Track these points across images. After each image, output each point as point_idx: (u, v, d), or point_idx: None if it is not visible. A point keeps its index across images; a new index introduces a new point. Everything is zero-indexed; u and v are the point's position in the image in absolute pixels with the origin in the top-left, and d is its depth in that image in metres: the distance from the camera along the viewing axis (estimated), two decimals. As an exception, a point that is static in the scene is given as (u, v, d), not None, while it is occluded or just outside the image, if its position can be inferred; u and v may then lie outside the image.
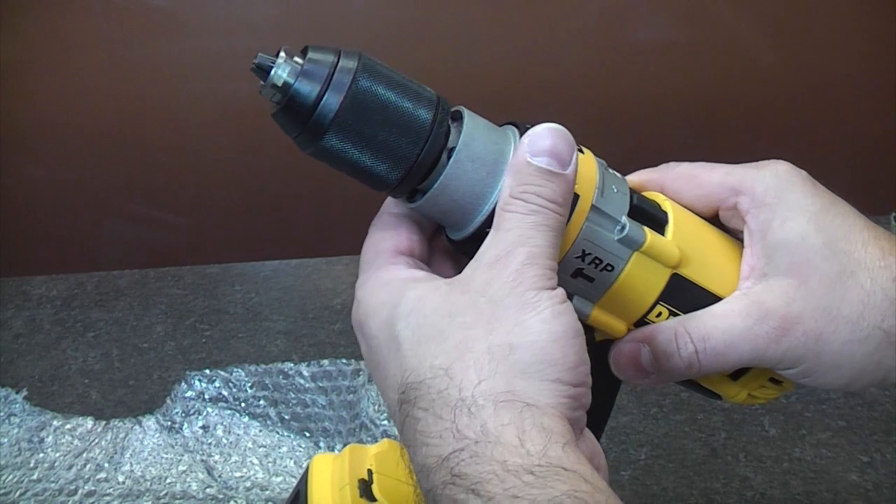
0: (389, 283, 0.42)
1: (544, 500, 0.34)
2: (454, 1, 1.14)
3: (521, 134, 0.44)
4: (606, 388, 0.53)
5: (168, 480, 0.78)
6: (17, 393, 0.89)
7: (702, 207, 0.49)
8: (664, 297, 0.46)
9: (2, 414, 0.86)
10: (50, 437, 0.83)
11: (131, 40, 1.13)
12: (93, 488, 0.77)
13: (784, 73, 1.18)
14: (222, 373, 0.89)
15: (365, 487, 0.54)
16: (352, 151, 0.42)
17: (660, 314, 0.47)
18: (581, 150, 0.45)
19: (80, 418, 0.85)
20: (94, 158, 1.17)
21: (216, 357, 0.97)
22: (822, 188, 0.47)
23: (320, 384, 0.87)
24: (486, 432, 0.36)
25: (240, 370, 0.89)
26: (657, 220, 0.47)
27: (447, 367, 0.38)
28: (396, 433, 0.79)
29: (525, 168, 0.41)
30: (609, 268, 0.45)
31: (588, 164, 0.45)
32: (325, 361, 0.90)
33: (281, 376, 0.89)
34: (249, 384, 0.88)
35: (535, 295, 0.39)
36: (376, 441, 0.77)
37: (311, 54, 0.42)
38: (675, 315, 0.47)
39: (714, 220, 0.50)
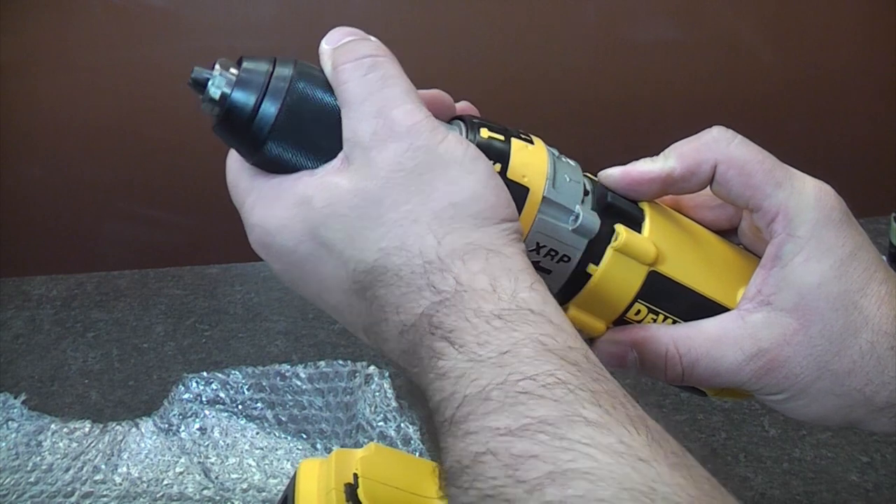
0: (281, 196, 0.42)
1: (508, 343, 0.35)
2: (454, 1, 1.14)
3: (467, 126, 0.44)
4: None
5: (165, 482, 0.78)
6: (15, 398, 0.89)
7: (742, 203, 0.46)
8: (642, 295, 0.46)
9: (0, 419, 0.86)
10: (48, 441, 0.83)
11: (131, 40, 1.13)
12: (90, 490, 0.77)
13: (784, 72, 1.17)
14: (219, 375, 0.89)
15: (351, 492, 0.54)
16: (295, 157, 0.42)
17: (638, 312, 0.46)
18: (530, 140, 0.45)
19: (78, 421, 0.85)
20: (94, 158, 1.17)
21: (216, 357, 0.97)
22: (856, 225, 0.46)
23: (317, 386, 0.87)
24: (460, 283, 0.38)
25: (237, 372, 0.89)
26: (632, 218, 0.46)
27: (398, 244, 0.39)
28: (393, 434, 0.79)
29: (333, 50, 0.42)
30: (566, 259, 0.44)
31: (538, 155, 0.44)
32: (322, 363, 0.90)
33: (278, 378, 0.89)
34: (246, 386, 0.88)
35: (444, 147, 0.40)
36: (373, 442, 0.77)
37: (245, 64, 0.42)
38: (655, 312, 0.46)
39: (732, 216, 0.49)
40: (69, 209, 1.21)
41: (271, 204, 0.42)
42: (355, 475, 0.55)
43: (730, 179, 0.45)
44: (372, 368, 0.87)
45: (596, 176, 0.48)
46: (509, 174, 0.43)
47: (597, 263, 0.45)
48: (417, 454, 0.77)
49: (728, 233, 0.50)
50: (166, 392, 0.89)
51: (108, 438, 0.82)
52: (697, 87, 1.17)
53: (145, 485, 0.77)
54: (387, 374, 0.85)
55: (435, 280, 0.38)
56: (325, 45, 0.43)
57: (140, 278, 1.15)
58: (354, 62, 0.41)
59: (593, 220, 0.44)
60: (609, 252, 0.45)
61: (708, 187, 0.46)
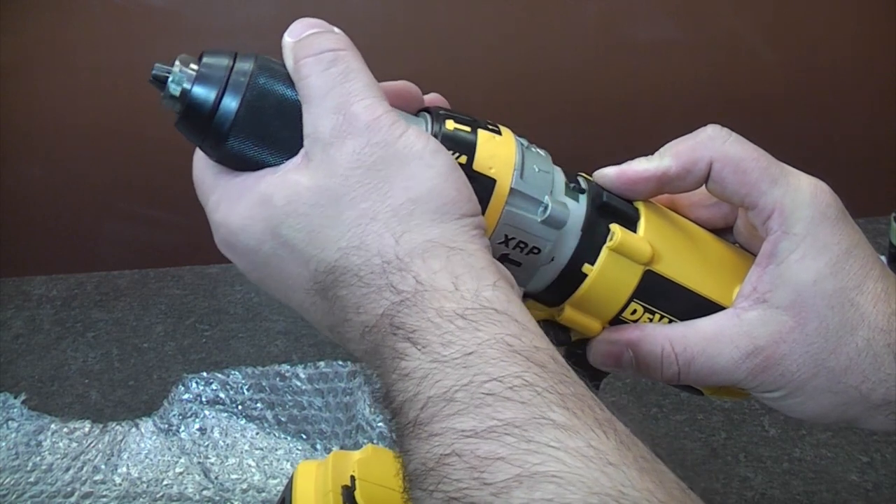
0: (244, 195, 0.41)
1: (473, 344, 0.35)
2: (454, 1, 1.14)
3: (433, 119, 0.44)
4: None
5: (165, 482, 0.78)
6: (15, 398, 0.89)
7: (737, 201, 0.46)
8: (638, 294, 0.46)
9: (0, 419, 0.86)
10: (47, 441, 0.83)
11: (131, 40, 1.13)
12: (90, 490, 0.77)
13: (784, 72, 1.17)
14: (219, 375, 0.89)
15: (348, 494, 0.54)
16: (257, 152, 0.41)
17: (634, 311, 0.46)
18: (498, 131, 0.45)
19: (78, 421, 0.85)
20: (94, 158, 1.17)
21: (216, 357, 0.97)
22: (851, 223, 0.46)
23: (317, 386, 0.87)
24: (420, 282, 0.37)
25: (237, 372, 0.89)
26: (628, 217, 0.46)
27: (357, 243, 0.39)
28: (394, 436, 0.79)
29: (294, 44, 0.42)
30: (535, 251, 0.44)
31: (506, 146, 0.44)
32: (322, 363, 0.90)
33: (278, 378, 0.89)
34: (246, 386, 0.88)
35: (403, 142, 0.40)
36: (373, 442, 0.77)
37: (206, 59, 0.42)
38: (651, 312, 0.46)
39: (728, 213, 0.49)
40: (69, 209, 1.21)
41: (234, 203, 0.41)
42: (352, 477, 0.55)
43: (725, 177, 0.45)
44: (372, 368, 0.87)
45: (592, 175, 0.48)
46: (475, 166, 0.43)
47: (592, 263, 0.45)
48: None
49: (723, 231, 0.50)
50: (166, 392, 0.89)
51: (108, 438, 0.82)
52: (697, 87, 1.17)
53: (145, 485, 0.77)
54: (387, 374, 0.85)
55: (395, 280, 0.37)
56: (288, 38, 0.43)
57: (140, 278, 1.15)
58: (315, 57, 0.41)
59: (563, 211, 0.43)
60: (604, 252, 0.45)
61: (703, 186, 0.46)
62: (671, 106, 1.16)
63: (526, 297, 0.47)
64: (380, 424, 0.81)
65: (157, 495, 0.76)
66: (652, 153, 0.47)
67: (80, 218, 1.22)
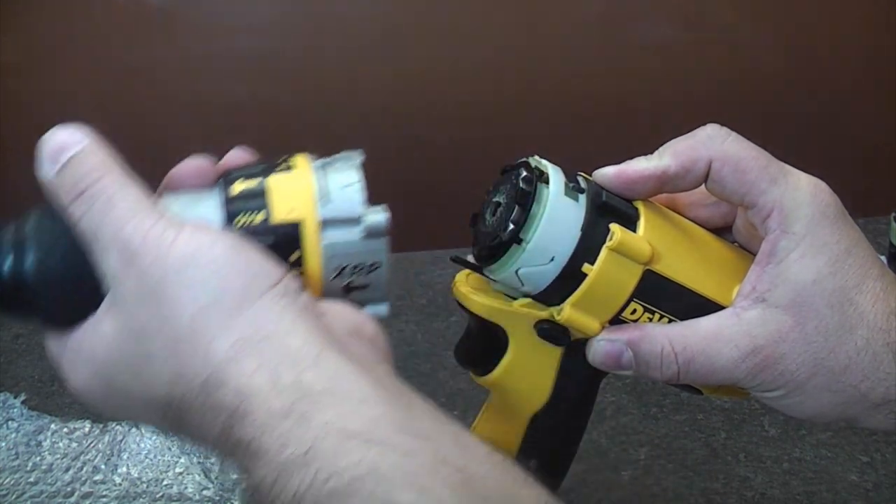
0: (77, 357, 0.40)
1: (309, 439, 0.33)
2: (454, 1, 1.14)
3: (224, 186, 0.41)
4: (587, 388, 0.53)
5: (165, 482, 0.78)
6: (15, 398, 0.89)
7: (736, 200, 0.46)
8: (638, 294, 0.46)
9: (0, 419, 0.86)
10: (47, 441, 0.83)
11: (131, 40, 1.13)
12: (90, 490, 0.77)
13: (784, 72, 1.17)
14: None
15: None
16: (72, 311, 0.40)
17: (634, 311, 0.46)
18: (289, 167, 0.42)
19: (79, 421, 0.85)
20: (94, 158, 1.17)
21: (216, 357, 0.97)
22: (851, 222, 0.46)
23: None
24: (240, 391, 0.35)
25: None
26: (627, 217, 0.46)
27: (175, 372, 0.37)
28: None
29: (53, 184, 0.40)
30: (375, 266, 0.41)
31: (301, 179, 0.41)
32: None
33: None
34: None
35: (175, 252, 0.37)
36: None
37: None
38: (650, 311, 0.46)
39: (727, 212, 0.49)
40: (69, 209, 1.21)
41: (73, 366, 0.40)
42: None
43: (724, 176, 0.45)
44: (372, 368, 0.87)
45: (591, 175, 0.48)
46: (273, 219, 0.40)
47: (592, 263, 0.45)
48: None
49: (723, 230, 0.50)
50: (166, 392, 0.88)
51: (108, 438, 0.82)
52: (697, 87, 1.17)
53: (145, 485, 0.77)
54: (387, 374, 0.85)
55: (218, 398, 0.36)
56: (46, 174, 0.40)
57: (140, 278, 1.15)
58: (77, 200, 0.39)
59: (380, 217, 0.41)
60: (604, 251, 0.45)
61: (702, 185, 0.46)
62: (671, 106, 1.16)
63: (526, 297, 0.48)
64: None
65: (157, 495, 0.76)
66: (651, 153, 0.47)
67: (80, 218, 1.22)
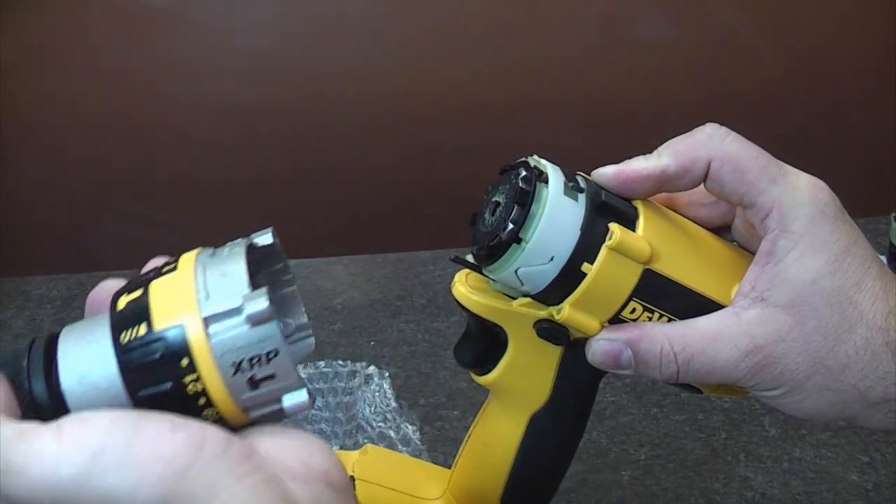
0: None
1: None
2: (453, 1, 1.14)
3: (111, 309, 0.38)
4: (586, 387, 0.53)
5: (165, 482, 0.78)
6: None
7: (736, 199, 0.46)
8: (637, 293, 0.45)
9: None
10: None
11: (131, 40, 1.13)
12: None
13: (784, 72, 1.18)
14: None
15: None
16: None
17: (634, 310, 0.46)
18: (175, 265, 0.38)
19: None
20: (94, 158, 1.18)
21: (216, 357, 0.97)
22: (850, 221, 0.46)
23: (317, 385, 0.87)
24: None
25: (238, 371, 0.89)
26: (626, 216, 0.46)
27: None
28: (393, 435, 0.79)
29: None
30: (273, 354, 0.37)
31: (182, 278, 0.37)
32: (322, 363, 0.89)
33: (278, 377, 0.88)
34: (247, 385, 0.88)
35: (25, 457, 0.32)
36: (373, 442, 0.77)
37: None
38: (650, 311, 0.46)
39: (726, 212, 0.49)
40: (69, 209, 1.21)
41: None
42: (352, 477, 0.55)
43: (723, 176, 0.45)
44: (372, 369, 0.87)
45: (590, 175, 0.48)
46: (155, 328, 0.36)
47: (591, 262, 0.45)
48: (417, 455, 0.77)
49: (722, 230, 0.50)
50: (166, 392, 0.88)
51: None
52: (697, 87, 1.17)
53: (145, 485, 0.77)
54: (387, 374, 0.85)
55: None
56: None
57: (140, 278, 1.15)
58: None
59: (263, 302, 0.36)
60: (603, 251, 0.45)
61: (701, 184, 0.46)
62: (670, 105, 1.16)
63: (525, 296, 0.48)
64: (380, 424, 0.81)
65: (157, 495, 0.76)
66: (650, 152, 0.47)
67: (80, 218, 1.22)
